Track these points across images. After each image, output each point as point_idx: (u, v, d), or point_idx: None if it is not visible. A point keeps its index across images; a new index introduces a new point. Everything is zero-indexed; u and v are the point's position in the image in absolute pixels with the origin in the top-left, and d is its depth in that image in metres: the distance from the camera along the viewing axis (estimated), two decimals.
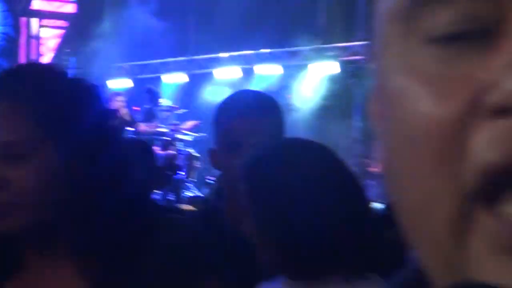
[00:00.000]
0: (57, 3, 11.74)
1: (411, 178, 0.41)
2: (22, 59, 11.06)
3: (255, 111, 2.16)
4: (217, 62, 11.49)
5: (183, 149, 9.77)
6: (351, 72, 9.73)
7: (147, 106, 10.29)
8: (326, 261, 1.70)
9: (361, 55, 9.94)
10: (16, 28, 11.50)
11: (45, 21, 12.19)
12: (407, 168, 0.41)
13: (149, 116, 10.42)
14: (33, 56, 11.53)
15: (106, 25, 11.53)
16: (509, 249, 0.36)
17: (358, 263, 1.72)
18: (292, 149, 1.79)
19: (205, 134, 9.12)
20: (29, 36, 11.92)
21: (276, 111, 2.24)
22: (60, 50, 12.05)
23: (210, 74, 11.56)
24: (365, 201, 1.80)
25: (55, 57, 11.46)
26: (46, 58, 11.54)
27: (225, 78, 11.35)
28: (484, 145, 0.38)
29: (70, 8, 12.17)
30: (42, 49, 12.01)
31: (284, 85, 10.45)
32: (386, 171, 0.44)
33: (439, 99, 0.40)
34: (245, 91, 4.36)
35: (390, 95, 0.43)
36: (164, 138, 10.13)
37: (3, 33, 11.33)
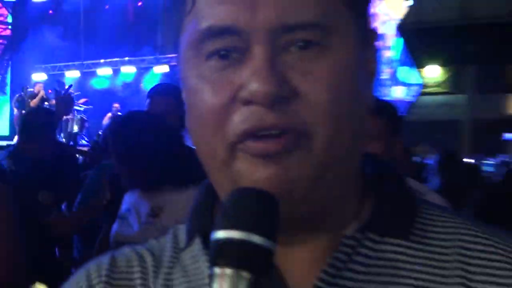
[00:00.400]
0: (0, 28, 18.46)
1: (202, 135, 0.71)
2: None
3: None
4: (98, 65, 17.90)
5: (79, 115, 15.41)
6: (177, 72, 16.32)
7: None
8: (161, 176, 2.76)
9: None
10: None
11: None
12: (200, 130, 0.71)
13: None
14: None
15: (29, 41, 17.71)
16: (257, 156, 0.67)
17: (181, 178, 2.74)
18: (140, 114, 3.00)
19: (91, 106, 15.96)
20: None
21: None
22: (1, 57, 18.62)
23: (95, 72, 18.01)
24: (183, 143, 2.87)
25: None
26: None
27: (105, 74, 17.95)
28: (238, 120, 0.67)
29: (8, 31, 18.79)
30: None
31: (138, 78, 17.10)
32: (191, 130, 0.75)
33: (214, 93, 0.68)
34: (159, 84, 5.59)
35: (189, 89, 0.73)
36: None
37: None
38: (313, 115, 0.70)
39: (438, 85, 21.21)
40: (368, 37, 0.79)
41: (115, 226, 2.98)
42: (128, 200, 3.02)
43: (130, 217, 3.00)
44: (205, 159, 0.75)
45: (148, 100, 3.39)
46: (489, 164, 10.06)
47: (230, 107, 0.70)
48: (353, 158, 0.78)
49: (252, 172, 0.69)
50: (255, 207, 0.66)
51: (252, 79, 0.67)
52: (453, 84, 21.79)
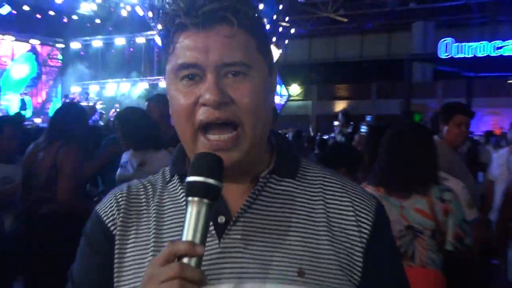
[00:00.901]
0: None
1: (179, 123, 1.02)
2: None
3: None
4: (107, 82, 23.08)
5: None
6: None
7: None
8: (144, 142, 3.95)
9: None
10: None
11: None
12: (178, 120, 1.02)
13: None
14: None
15: (70, 69, 23.20)
16: (208, 144, 1.01)
17: (157, 144, 3.87)
18: (134, 110, 4.24)
19: (104, 105, 20.37)
20: None
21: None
22: (56, 78, 24.24)
23: (105, 87, 23.17)
24: (158, 126, 4.07)
25: None
26: None
27: (111, 88, 22.73)
28: (199, 115, 1.00)
29: (59, 63, 24.20)
30: None
31: (130, 90, 22.28)
32: (173, 120, 1.05)
33: (185, 99, 1.00)
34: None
35: (172, 97, 1.04)
36: None
37: None
38: (242, 112, 0.99)
39: (297, 95, 28.14)
40: (272, 68, 1.07)
41: (118, 171, 4.14)
42: (125, 156, 4.12)
43: (127, 166, 4.12)
44: (181, 136, 1.04)
45: (146, 103, 4.71)
46: (324, 138, 12.57)
47: (194, 107, 0.99)
48: (265, 134, 1.06)
49: (209, 149, 1.01)
50: (209, 163, 0.94)
51: (206, 92, 0.97)
52: (305, 95, 29.50)
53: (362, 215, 1.07)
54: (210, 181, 0.91)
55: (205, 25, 0.98)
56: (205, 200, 0.90)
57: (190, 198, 0.90)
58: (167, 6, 1.01)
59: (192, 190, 0.91)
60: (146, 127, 4.14)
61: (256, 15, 1.04)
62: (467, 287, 3.44)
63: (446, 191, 3.00)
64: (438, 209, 2.95)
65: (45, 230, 3.86)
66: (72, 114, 4.46)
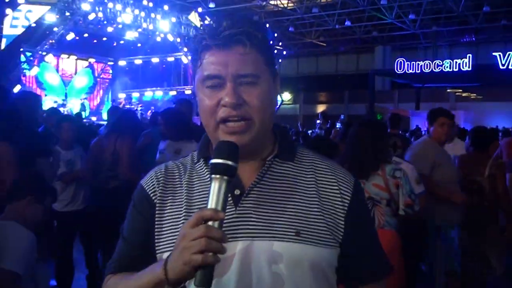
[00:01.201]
0: None
1: (205, 119, 1.02)
2: None
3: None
4: (145, 91, 23.58)
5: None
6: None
7: None
8: (179, 135, 3.91)
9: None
10: None
11: None
12: (204, 116, 1.02)
13: None
14: None
15: (117, 81, 23.65)
16: (229, 133, 0.99)
17: (189, 136, 3.78)
18: (171, 110, 4.11)
19: (143, 107, 20.51)
20: None
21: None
22: (107, 88, 24.17)
23: (144, 94, 23.80)
24: (192, 123, 4.04)
25: None
26: None
27: (148, 95, 22.82)
28: (220, 113, 0.99)
29: (110, 76, 24.12)
30: None
31: (163, 97, 22.82)
32: (200, 116, 1.03)
33: (210, 101, 1.00)
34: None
35: (200, 100, 1.03)
36: None
37: None
38: (252, 111, 0.99)
39: (288, 101, 27.32)
40: (275, 77, 1.07)
41: (157, 156, 4.13)
42: (163, 144, 4.07)
43: (165, 152, 4.11)
44: (206, 127, 1.03)
45: (174, 105, 4.70)
46: (308, 132, 12.48)
47: (216, 108, 0.99)
48: (269, 125, 1.05)
49: (227, 137, 0.99)
50: (228, 149, 0.93)
51: (226, 96, 0.98)
52: (294, 100, 29.13)
53: (344, 188, 1.07)
54: (229, 162, 0.90)
55: (225, 46, 0.98)
56: (225, 177, 0.90)
57: (213, 176, 0.90)
58: (195, 32, 1.03)
59: (215, 169, 0.90)
60: (181, 123, 4.18)
61: (264, 36, 1.04)
62: (413, 240, 3.48)
63: (397, 170, 3.05)
64: (391, 184, 3.00)
65: (112, 200, 3.87)
66: (125, 115, 4.78)
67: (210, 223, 0.87)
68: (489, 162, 3.99)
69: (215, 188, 0.89)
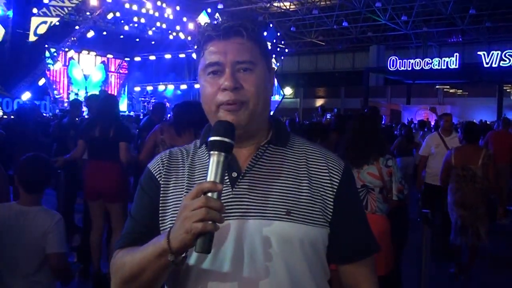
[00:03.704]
0: None
1: (206, 103, 1.01)
2: None
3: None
4: (159, 84, 23.82)
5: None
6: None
7: None
8: (187, 126, 3.54)
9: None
10: None
11: None
12: (205, 101, 1.02)
13: None
14: None
15: (133, 75, 23.93)
16: (227, 111, 0.98)
17: (197, 127, 3.18)
18: (188, 103, 3.87)
19: (156, 100, 21.67)
20: None
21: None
22: (124, 81, 24.26)
23: (157, 87, 23.76)
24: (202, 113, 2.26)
25: None
26: None
27: (162, 89, 23.45)
28: (220, 97, 0.99)
29: (126, 71, 24.18)
30: None
31: (175, 90, 23.46)
32: (202, 102, 1.02)
33: (211, 87, 1.00)
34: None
35: (202, 86, 1.02)
36: None
37: None
38: (248, 95, 0.99)
39: (289, 95, 27.66)
40: (270, 67, 1.06)
41: None
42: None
43: None
44: (206, 110, 1.04)
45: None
46: (305, 123, 11.53)
47: (217, 92, 1.00)
48: (264, 110, 1.05)
49: (225, 117, 0.99)
50: (225, 127, 0.93)
51: (225, 81, 0.99)
52: (295, 95, 29.33)
53: (334, 171, 1.05)
54: (226, 139, 0.89)
55: (224, 36, 0.99)
56: (222, 153, 0.89)
57: (212, 152, 0.89)
58: (201, 29, 1.04)
59: (213, 146, 0.89)
60: (192, 114, 3.96)
61: (259, 30, 1.04)
62: (399, 223, 3.51)
63: (389, 159, 3.06)
64: (385, 172, 3.00)
65: None
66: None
67: (209, 194, 0.85)
68: (482, 153, 4.29)
69: (214, 163, 0.88)
